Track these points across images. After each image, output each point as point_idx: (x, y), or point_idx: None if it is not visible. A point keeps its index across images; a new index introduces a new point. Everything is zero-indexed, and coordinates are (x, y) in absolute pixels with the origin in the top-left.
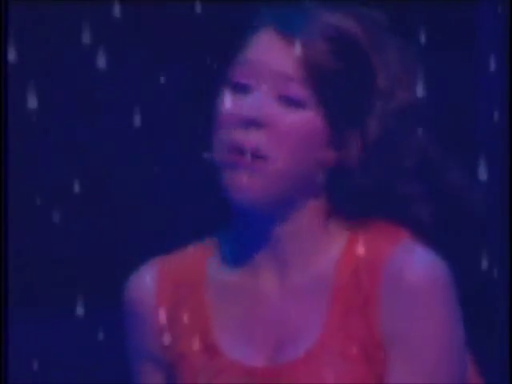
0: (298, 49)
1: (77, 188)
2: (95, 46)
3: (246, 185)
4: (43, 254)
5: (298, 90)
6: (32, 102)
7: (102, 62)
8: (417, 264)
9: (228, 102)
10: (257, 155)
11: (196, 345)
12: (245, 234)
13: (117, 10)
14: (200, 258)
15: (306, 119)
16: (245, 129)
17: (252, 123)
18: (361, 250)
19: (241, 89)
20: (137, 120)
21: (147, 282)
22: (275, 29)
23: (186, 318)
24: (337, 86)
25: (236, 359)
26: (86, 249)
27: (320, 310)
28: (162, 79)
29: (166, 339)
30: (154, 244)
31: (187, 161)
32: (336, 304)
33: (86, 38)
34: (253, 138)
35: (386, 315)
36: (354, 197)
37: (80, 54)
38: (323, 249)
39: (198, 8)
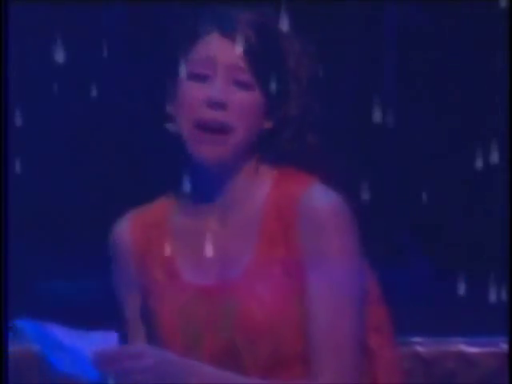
0: (238, 45)
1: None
2: (94, 45)
3: (211, 153)
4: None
5: (245, 76)
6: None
7: (100, 60)
8: (324, 198)
9: (191, 88)
10: (222, 130)
11: (163, 273)
12: (196, 188)
13: (115, 9)
14: (163, 208)
15: (254, 97)
16: (211, 109)
17: (217, 104)
18: (281, 190)
19: (200, 78)
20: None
21: (123, 229)
22: (218, 31)
23: (155, 253)
24: (267, 70)
25: (193, 281)
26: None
27: (251, 239)
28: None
29: (142, 269)
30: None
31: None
32: (263, 233)
33: (85, 36)
34: (220, 116)
35: (304, 239)
36: (278, 150)
37: (79, 52)
38: (253, 193)
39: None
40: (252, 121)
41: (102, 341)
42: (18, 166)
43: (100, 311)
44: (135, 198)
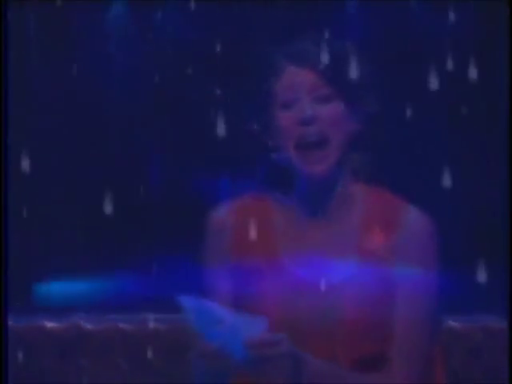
0: (311, 69)
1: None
2: (94, 44)
3: (315, 166)
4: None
5: (325, 90)
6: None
7: (100, 59)
8: (423, 221)
9: (284, 115)
10: (320, 143)
11: (265, 260)
12: (305, 195)
13: (116, 10)
14: (265, 202)
15: (336, 106)
16: (304, 127)
17: (308, 120)
18: (380, 208)
19: (288, 104)
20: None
21: (223, 215)
22: (292, 64)
23: (257, 242)
24: (340, 77)
25: (295, 274)
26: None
27: (352, 249)
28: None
29: (239, 254)
30: None
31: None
32: (365, 246)
33: (85, 36)
34: (313, 130)
35: (402, 255)
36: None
37: (79, 52)
38: (350, 205)
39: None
40: (340, 128)
41: (253, 324)
42: (17, 166)
43: (100, 311)
44: (137, 201)
